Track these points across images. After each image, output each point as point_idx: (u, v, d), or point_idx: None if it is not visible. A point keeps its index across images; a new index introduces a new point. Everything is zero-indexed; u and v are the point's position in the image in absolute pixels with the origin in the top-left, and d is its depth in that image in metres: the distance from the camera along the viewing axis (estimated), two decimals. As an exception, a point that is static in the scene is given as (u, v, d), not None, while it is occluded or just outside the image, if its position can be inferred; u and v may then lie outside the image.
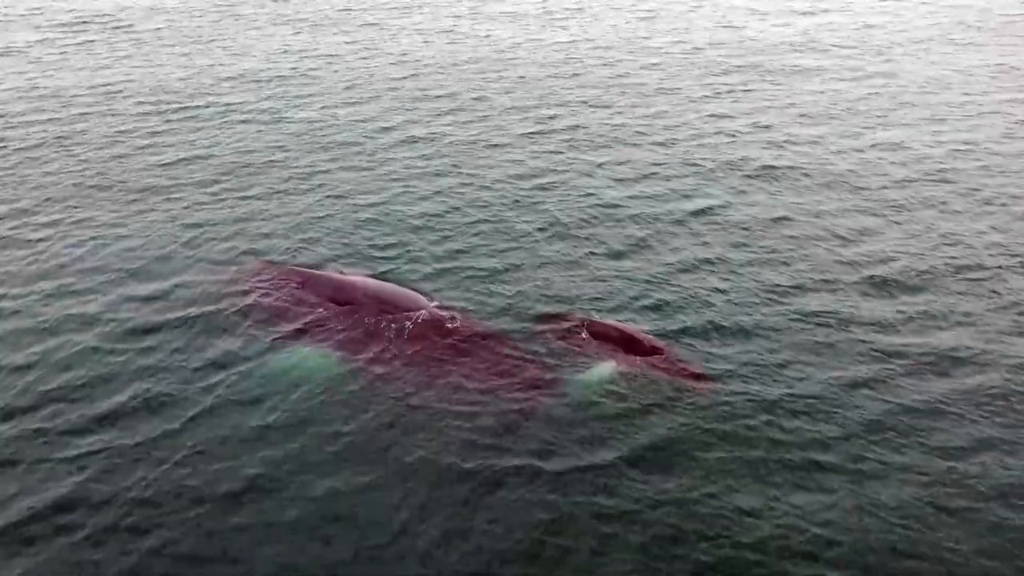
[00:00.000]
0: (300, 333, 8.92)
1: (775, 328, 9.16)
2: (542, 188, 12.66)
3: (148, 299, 9.64)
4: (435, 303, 9.34)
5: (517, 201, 12.20)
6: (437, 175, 13.15)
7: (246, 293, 9.66)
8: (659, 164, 13.63)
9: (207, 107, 16.16)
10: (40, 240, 11.03)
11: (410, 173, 13.23)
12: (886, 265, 10.52)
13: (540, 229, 11.37)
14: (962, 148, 14.36)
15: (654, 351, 8.57)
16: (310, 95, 16.91)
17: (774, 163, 13.69)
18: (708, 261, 10.56)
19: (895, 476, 7.13)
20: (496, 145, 14.39)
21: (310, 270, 10.11)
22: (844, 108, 16.40)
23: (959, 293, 9.93)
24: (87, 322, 9.17)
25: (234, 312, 9.31)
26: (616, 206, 12.09)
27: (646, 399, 7.99)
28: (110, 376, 8.29)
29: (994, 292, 9.94)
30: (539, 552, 6.41)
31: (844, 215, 11.93)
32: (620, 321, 9.08)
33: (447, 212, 11.85)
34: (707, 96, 17.06)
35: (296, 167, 13.45)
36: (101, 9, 23.95)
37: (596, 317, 9.16)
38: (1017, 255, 10.77)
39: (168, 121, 15.44)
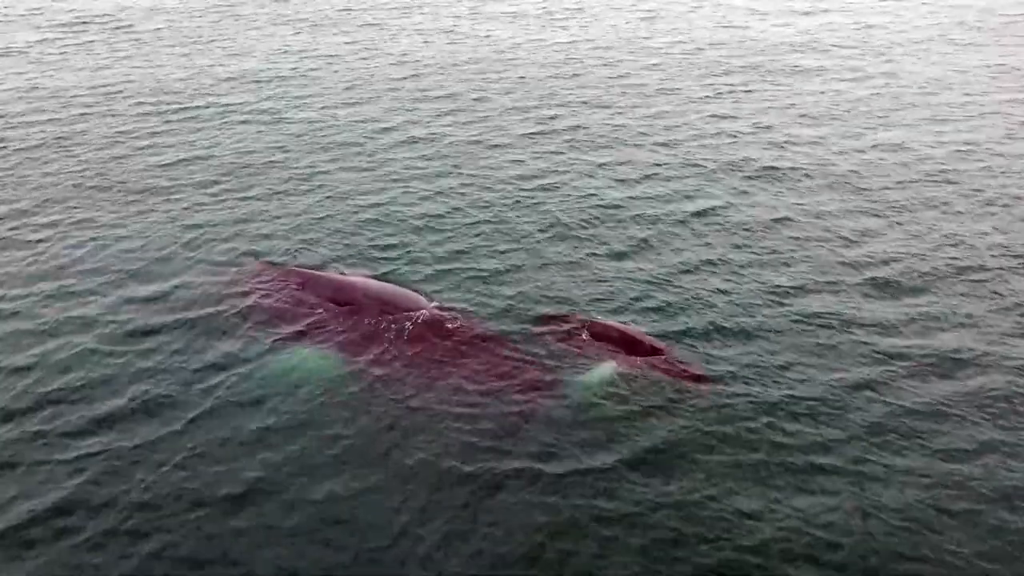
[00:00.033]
0: (300, 334, 8.91)
1: (776, 329, 9.14)
2: (543, 189, 12.64)
3: (148, 300, 9.62)
4: (435, 304, 9.32)
5: (518, 202, 12.18)
6: (437, 176, 13.13)
7: (246, 294, 9.64)
8: (660, 165, 13.61)
9: (207, 107, 16.14)
10: (40, 241, 11.01)
11: (410, 174, 13.20)
12: (888, 266, 10.49)
13: (541, 230, 11.34)
14: (964, 149, 14.33)
15: (655, 352, 8.55)
16: (310, 95, 16.89)
17: (775, 164, 13.67)
18: (709, 262, 10.54)
19: (897, 479, 7.11)
20: (496, 145, 14.36)
21: (310, 271, 10.09)
22: (845, 108, 16.37)
23: (961, 294, 9.90)
24: (87, 323, 9.15)
25: (234, 313, 9.29)
26: (617, 207, 12.07)
27: (647, 401, 7.96)
28: (110, 378, 8.27)
29: (996, 293, 9.92)
30: (540, 555, 6.39)
31: (845, 216, 11.91)
32: (621, 322, 9.06)
33: (447, 213, 11.83)
34: (708, 96, 17.03)
35: (296, 168, 13.43)
36: (101, 9, 23.93)
37: (597, 318, 9.14)
38: (1020, 256, 10.74)
39: (168, 122, 15.42)
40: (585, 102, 16.67)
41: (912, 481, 7.08)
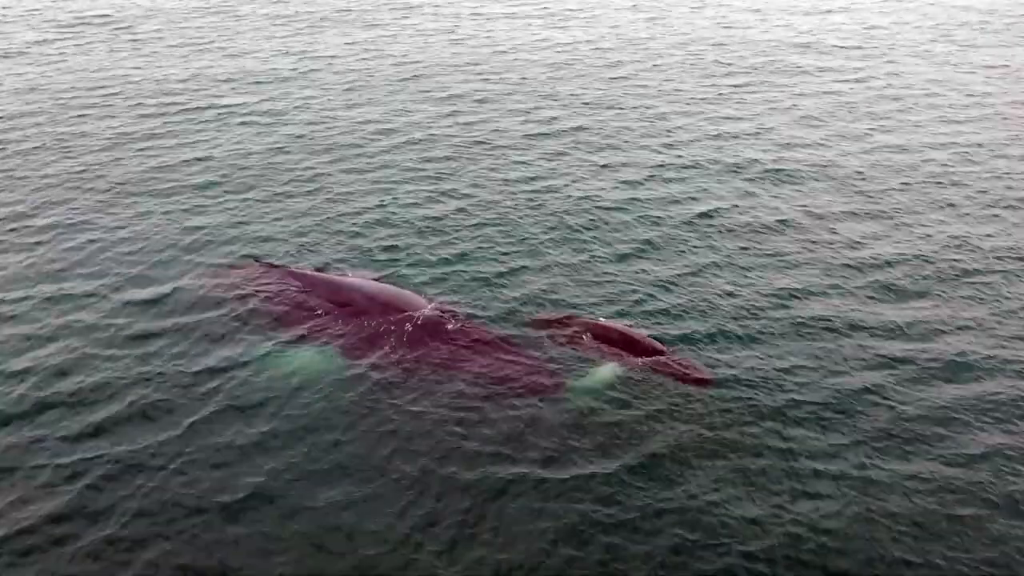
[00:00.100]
0: (301, 337, 8.85)
1: (779, 332, 9.09)
2: (544, 190, 12.58)
3: (147, 303, 9.56)
4: (436, 305, 9.25)
5: (519, 203, 12.12)
6: (438, 177, 13.06)
7: (246, 297, 9.58)
8: (662, 166, 13.55)
9: (207, 108, 16.06)
10: (38, 243, 10.93)
11: (411, 175, 13.14)
12: (891, 269, 10.43)
13: (542, 231, 11.28)
14: (967, 150, 14.26)
15: (656, 354, 8.49)
16: (310, 96, 16.81)
17: (777, 165, 13.60)
18: (712, 264, 10.48)
19: (902, 484, 7.05)
20: (498, 147, 14.30)
21: (311, 273, 10.03)
22: (848, 110, 16.30)
23: (965, 298, 9.84)
24: (85, 327, 9.08)
25: (234, 316, 9.23)
26: (618, 208, 12.01)
27: (650, 404, 7.91)
28: (108, 382, 8.20)
29: (1001, 297, 9.86)
30: (543, 562, 6.33)
31: (848, 218, 11.85)
32: (623, 324, 9.00)
33: (448, 214, 11.76)
34: (710, 97, 16.97)
35: (296, 169, 13.36)
36: (101, 9, 23.85)
37: (599, 319, 9.08)
38: (1024, 259, 10.69)
39: (167, 123, 15.34)
40: (587, 103, 16.60)
41: (917, 487, 7.02)
